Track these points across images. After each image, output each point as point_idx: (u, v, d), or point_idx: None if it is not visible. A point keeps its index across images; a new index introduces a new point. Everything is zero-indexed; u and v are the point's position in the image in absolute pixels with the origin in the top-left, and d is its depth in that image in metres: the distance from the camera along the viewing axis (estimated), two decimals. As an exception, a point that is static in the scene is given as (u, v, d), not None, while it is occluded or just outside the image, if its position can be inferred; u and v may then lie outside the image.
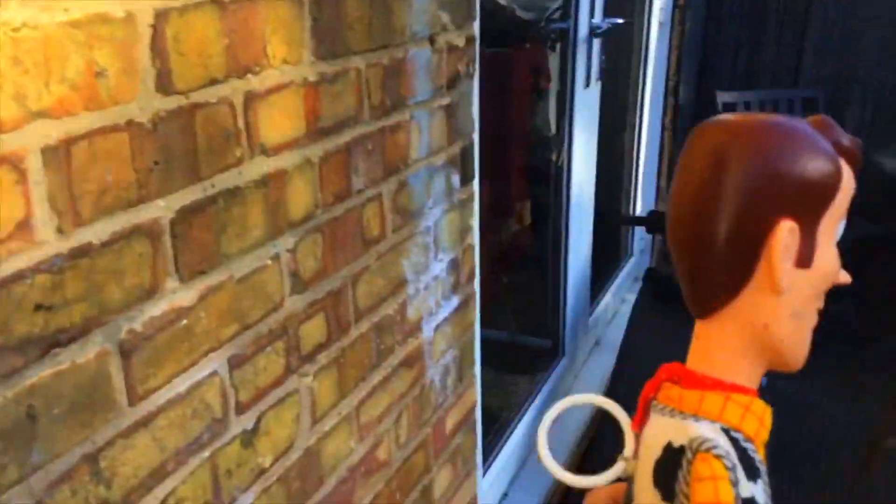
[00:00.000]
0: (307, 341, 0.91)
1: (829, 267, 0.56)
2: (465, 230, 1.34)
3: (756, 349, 0.57)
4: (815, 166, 0.53)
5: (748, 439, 0.54)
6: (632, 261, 3.02)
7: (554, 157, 2.29)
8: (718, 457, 0.52)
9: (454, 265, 1.31)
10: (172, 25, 0.65)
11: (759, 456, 0.54)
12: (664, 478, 0.54)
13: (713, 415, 0.55)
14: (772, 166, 0.53)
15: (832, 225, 0.56)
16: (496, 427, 1.94)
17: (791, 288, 0.54)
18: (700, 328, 0.62)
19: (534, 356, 2.40)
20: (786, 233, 0.53)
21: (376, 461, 1.10)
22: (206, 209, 0.71)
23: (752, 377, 0.58)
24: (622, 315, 2.57)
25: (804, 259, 0.54)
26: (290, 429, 0.89)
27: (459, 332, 1.36)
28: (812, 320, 0.59)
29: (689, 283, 0.59)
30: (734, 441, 0.54)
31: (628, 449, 0.62)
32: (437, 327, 1.27)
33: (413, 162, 1.12)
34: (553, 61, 2.36)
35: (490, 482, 1.75)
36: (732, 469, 0.51)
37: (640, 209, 3.02)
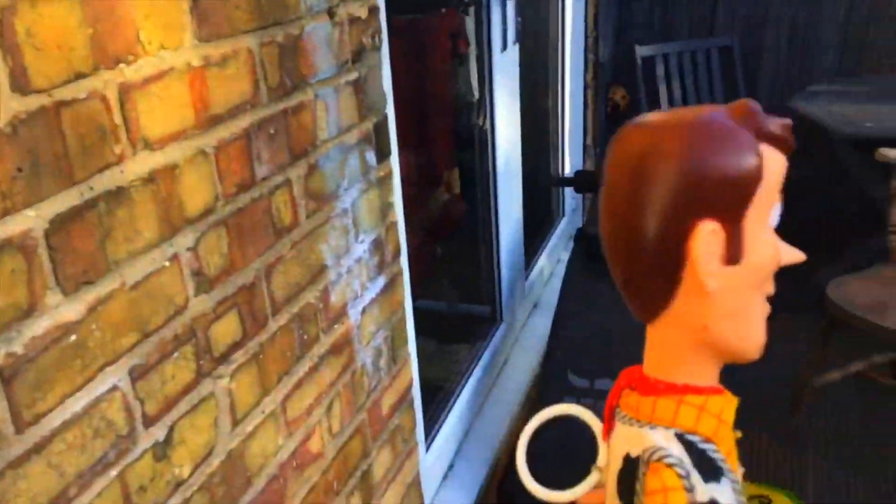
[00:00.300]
0: (220, 341, 0.87)
1: (762, 258, 0.55)
2: (385, 208, 1.30)
3: (702, 349, 0.56)
4: (730, 164, 0.52)
5: (706, 440, 0.54)
6: (564, 221, 3.03)
7: (479, 122, 2.26)
8: (670, 465, 0.51)
9: (377, 245, 1.27)
10: (23, 18, 0.59)
11: (720, 455, 0.54)
12: (625, 490, 0.53)
13: (667, 420, 0.55)
14: (686, 169, 0.52)
15: (761, 216, 0.55)
16: (438, 399, 1.93)
17: (724, 287, 0.54)
18: (649, 332, 0.60)
19: (473, 324, 2.40)
20: (705, 235, 0.52)
21: (309, 454, 1.07)
22: (85, 215, 0.66)
23: (706, 375, 0.58)
24: (558, 276, 2.58)
25: (732, 256, 0.53)
26: (208, 434, 0.85)
27: (389, 312, 1.33)
28: (759, 310, 0.57)
29: (626, 291, 0.58)
30: (690, 445, 0.53)
31: (601, 458, 0.62)
32: (365, 310, 1.24)
33: (322, 143, 1.07)
34: (470, 25, 2.31)
35: (434, 456, 1.74)
36: (686, 476, 0.51)
37: (568, 169, 3.03)
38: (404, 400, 1.41)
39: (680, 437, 0.54)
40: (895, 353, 2.24)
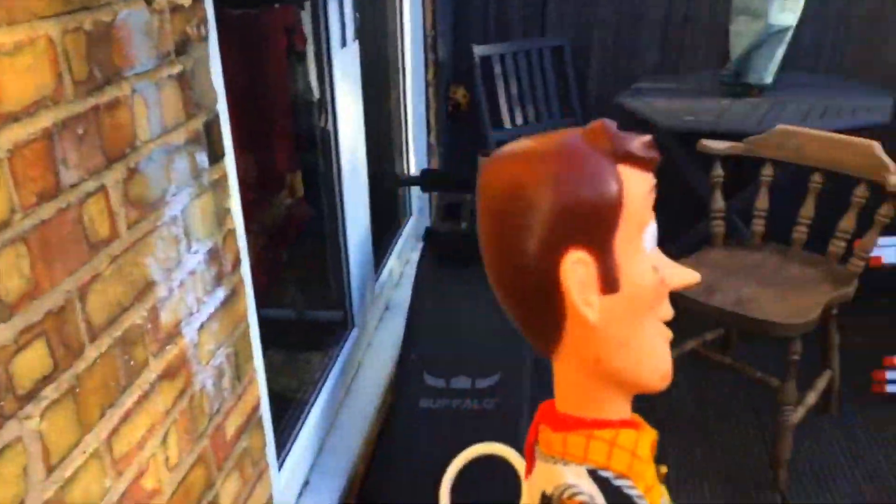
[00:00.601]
0: (24, 377, 0.74)
1: (641, 284, 0.52)
2: (221, 214, 1.20)
3: (604, 381, 0.54)
4: (586, 193, 0.49)
5: (620, 476, 0.52)
6: (412, 221, 3.01)
7: (322, 123, 2.18)
8: (583, 503, 0.49)
9: (214, 254, 1.17)
10: None
11: (636, 491, 0.52)
12: None
13: (578, 457, 0.53)
14: (545, 201, 0.49)
15: (633, 239, 0.52)
16: (290, 412, 1.84)
17: (607, 318, 0.51)
18: (554, 367, 0.57)
19: (324, 331, 2.31)
20: (571, 264, 0.49)
21: (143, 492, 0.96)
22: None
23: (615, 408, 0.55)
24: (408, 277, 2.55)
25: (608, 284, 0.50)
26: (16, 486, 0.73)
27: (230, 326, 1.23)
28: (654, 337, 0.54)
29: (522, 328, 0.55)
30: (603, 481, 0.51)
31: (523, 498, 0.57)
32: (202, 327, 1.13)
33: (143, 143, 0.96)
34: (307, 20, 2.22)
35: (288, 475, 1.65)
36: None
37: (413, 168, 3.01)
38: (252, 420, 1.31)
39: (592, 474, 0.52)
40: (724, 330, 2.41)
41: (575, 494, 0.50)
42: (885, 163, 2.00)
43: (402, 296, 2.45)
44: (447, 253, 2.09)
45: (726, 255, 2.27)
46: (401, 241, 2.84)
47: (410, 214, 3.04)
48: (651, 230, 0.54)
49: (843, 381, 2.27)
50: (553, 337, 0.54)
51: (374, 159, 2.37)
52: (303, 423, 1.82)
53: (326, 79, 2.03)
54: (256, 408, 1.33)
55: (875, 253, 2.11)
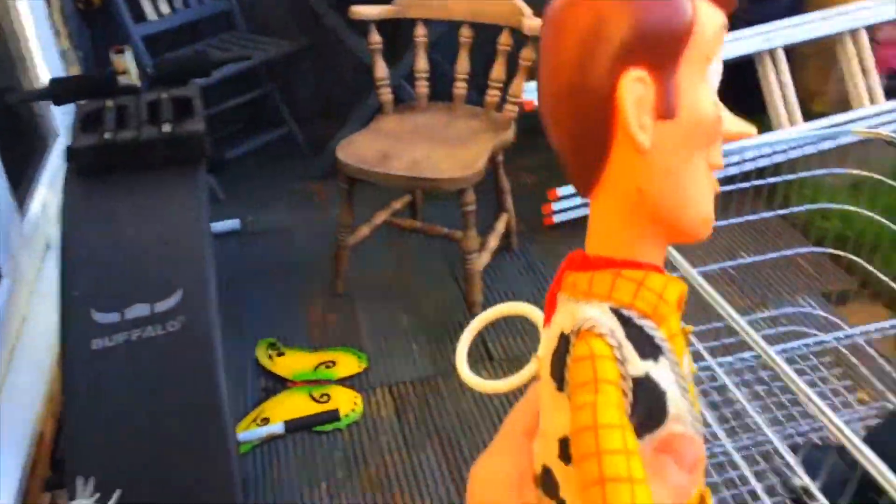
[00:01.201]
0: None
1: (700, 114, 0.50)
2: None
3: (641, 218, 0.52)
4: (656, 9, 0.48)
5: (643, 316, 0.50)
6: (60, 141, 2.61)
7: None
8: (601, 335, 0.47)
9: None
10: None
11: (660, 333, 0.49)
12: (558, 366, 0.49)
13: (603, 295, 0.51)
14: (608, 16, 0.48)
15: (697, 70, 0.50)
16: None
17: (657, 143, 0.49)
18: (591, 207, 0.53)
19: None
20: (631, 83, 0.47)
21: None
22: None
23: (649, 251, 0.53)
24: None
25: (665, 109, 0.49)
26: None
27: None
28: (702, 178, 0.52)
29: (566, 160, 0.53)
30: (626, 319, 0.49)
31: (541, 348, 0.53)
32: None
33: None
34: None
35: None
36: (618, 347, 0.47)
37: (45, 80, 2.58)
38: None
39: (615, 312, 0.49)
40: (410, 196, 2.47)
41: (594, 327, 0.48)
42: (520, 7, 2.11)
43: (64, 228, 2.14)
44: (94, 169, 1.84)
45: (398, 121, 2.29)
46: (50, 167, 2.46)
47: (58, 135, 2.63)
48: (717, 68, 0.52)
49: (518, 219, 2.47)
50: (596, 167, 0.52)
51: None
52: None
53: None
54: None
55: (526, 97, 2.26)
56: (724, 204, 1.41)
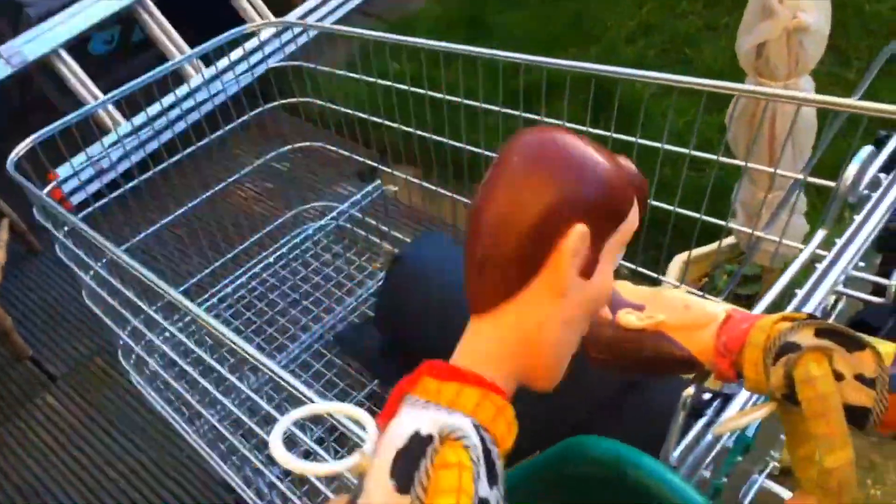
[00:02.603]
0: None
1: (602, 286, 0.58)
2: None
3: (523, 350, 0.57)
4: (617, 185, 0.57)
5: (494, 442, 0.53)
6: None
7: None
8: (467, 448, 0.50)
9: None
10: None
11: (501, 462, 0.53)
12: (404, 466, 0.49)
13: (468, 409, 0.53)
14: (580, 172, 0.56)
15: (614, 248, 0.58)
16: None
17: (572, 294, 0.56)
18: (474, 325, 0.58)
19: None
20: (578, 236, 0.54)
21: None
22: None
23: (507, 383, 0.57)
24: None
25: (587, 269, 0.57)
26: None
27: None
28: (574, 344, 0.60)
29: (479, 274, 0.58)
30: (483, 440, 0.52)
31: (369, 444, 0.54)
32: None
33: None
34: None
35: None
36: (477, 463, 0.50)
37: None
38: None
39: (477, 429, 0.52)
40: None
41: (462, 437, 0.50)
42: None
43: None
44: None
45: None
46: None
47: None
48: (620, 257, 0.61)
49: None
50: (509, 291, 0.57)
51: None
52: None
53: None
54: None
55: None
56: None
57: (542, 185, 0.55)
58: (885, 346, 0.56)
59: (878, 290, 0.70)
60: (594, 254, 0.56)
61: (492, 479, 0.50)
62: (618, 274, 0.61)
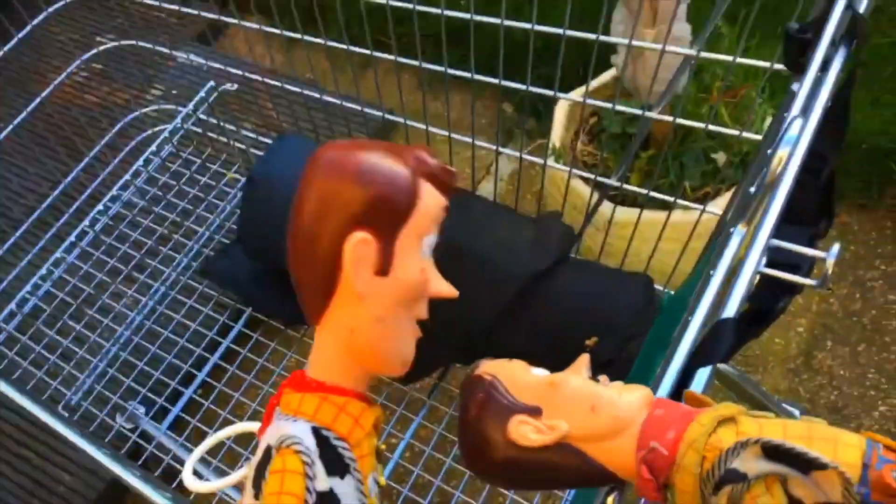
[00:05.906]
0: None
1: (408, 277, 0.60)
2: None
3: (351, 354, 0.61)
4: (395, 182, 0.59)
5: (340, 438, 0.58)
6: None
7: None
8: (297, 452, 0.55)
9: None
10: None
11: (351, 454, 0.58)
12: (257, 477, 0.57)
13: (308, 415, 0.59)
14: (350, 184, 0.58)
15: (413, 240, 0.60)
16: None
17: (372, 294, 0.59)
18: (315, 334, 0.63)
19: None
20: (355, 243, 0.57)
21: None
22: None
23: (356, 381, 0.62)
24: None
25: (381, 267, 0.59)
26: None
27: None
28: (406, 327, 0.62)
29: (299, 293, 0.62)
30: (324, 439, 0.57)
31: (255, 457, 0.60)
32: None
33: None
34: None
35: None
36: (311, 465, 0.55)
37: None
38: None
39: (315, 431, 0.57)
40: None
41: (293, 443, 0.55)
42: None
43: None
44: None
45: None
46: None
47: None
48: (430, 241, 0.62)
49: None
50: (322, 304, 0.60)
51: None
52: None
53: None
54: None
55: None
56: None
57: (317, 207, 0.58)
58: (847, 454, 0.45)
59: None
60: (386, 250, 0.58)
61: (336, 470, 0.56)
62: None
